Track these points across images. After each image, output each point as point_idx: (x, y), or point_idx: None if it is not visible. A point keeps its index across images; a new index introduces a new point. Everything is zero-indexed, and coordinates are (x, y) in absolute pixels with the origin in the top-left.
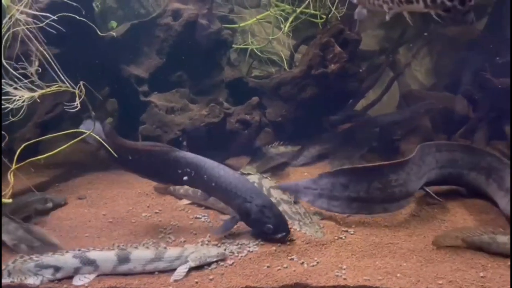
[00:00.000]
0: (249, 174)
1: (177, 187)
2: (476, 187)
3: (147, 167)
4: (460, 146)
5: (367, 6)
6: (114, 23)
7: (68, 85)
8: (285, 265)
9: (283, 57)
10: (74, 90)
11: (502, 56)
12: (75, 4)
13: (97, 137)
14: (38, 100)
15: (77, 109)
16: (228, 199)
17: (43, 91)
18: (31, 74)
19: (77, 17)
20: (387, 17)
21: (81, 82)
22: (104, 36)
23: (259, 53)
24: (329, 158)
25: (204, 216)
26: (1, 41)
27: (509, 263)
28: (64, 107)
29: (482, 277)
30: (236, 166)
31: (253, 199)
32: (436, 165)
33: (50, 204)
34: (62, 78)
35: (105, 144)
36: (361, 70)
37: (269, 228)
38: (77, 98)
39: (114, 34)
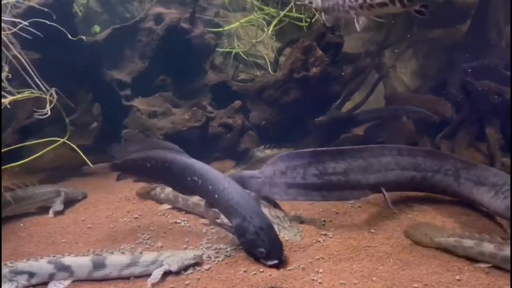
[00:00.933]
0: None
1: (158, 191)
2: (443, 188)
3: (159, 173)
4: (422, 151)
5: (332, 14)
6: (97, 28)
7: (43, 89)
8: (261, 270)
9: (268, 60)
10: (45, 96)
11: (484, 58)
12: (52, 10)
13: (71, 144)
14: (9, 107)
15: (47, 115)
16: (228, 213)
17: (13, 97)
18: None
19: (48, 23)
20: (358, 27)
21: (53, 89)
22: (74, 40)
23: (244, 57)
24: None
25: (183, 221)
26: (0, 44)
27: (479, 265)
28: (35, 113)
29: (458, 280)
30: (220, 170)
31: (252, 219)
32: (397, 167)
33: (61, 197)
34: (39, 83)
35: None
36: (343, 73)
37: (261, 252)
38: (47, 105)
39: (84, 38)
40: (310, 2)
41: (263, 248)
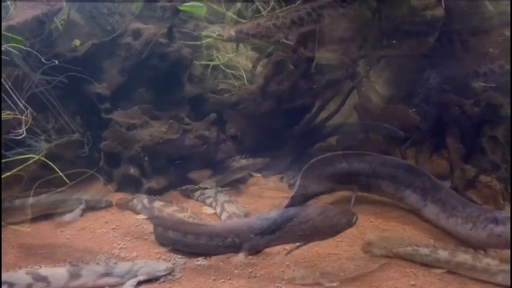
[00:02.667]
0: (205, 188)
1: (135, 202)
2: (410, 205)
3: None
4: (404, 164)
5: (252, 41)
6: (77, 42)
7: (20, 106)
8: (228, 278)
9: (243, 72)
10: (20, 117)
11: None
12: (32, 27)
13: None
14: None
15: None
16: (287, 237)
17: None
18: None
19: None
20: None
21: (28, 110)
22: (56, 53)
23: (223, 68)
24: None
25: None
26: (0, 54)
27: (435, 271)
28: (10, 134)
29: (412, 285)
30: (197, 179)
31: (309, 215)
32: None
33: (81, 206)
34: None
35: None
36: (314, 86)
37: (343, 223)
38: (23, 125)
39: (56, 61)
40: (220, 35)
41: (341, 220)
